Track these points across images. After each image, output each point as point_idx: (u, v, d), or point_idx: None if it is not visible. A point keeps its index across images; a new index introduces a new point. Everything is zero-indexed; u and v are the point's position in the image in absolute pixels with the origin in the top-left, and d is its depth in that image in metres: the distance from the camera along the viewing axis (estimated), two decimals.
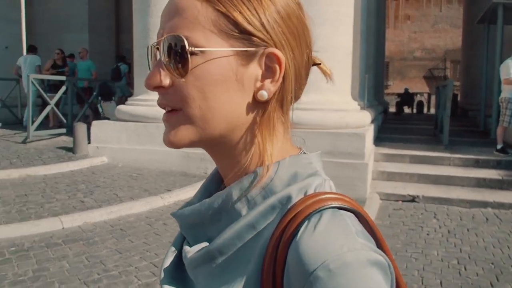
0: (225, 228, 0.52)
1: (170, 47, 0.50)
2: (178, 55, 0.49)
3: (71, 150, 6.69)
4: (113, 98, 8.82)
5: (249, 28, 0.49)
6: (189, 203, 0.59)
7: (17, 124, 9.55)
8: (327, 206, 0.48)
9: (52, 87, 7.98)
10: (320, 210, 0.47)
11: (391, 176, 6.13)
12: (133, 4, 6.90)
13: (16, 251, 3.54)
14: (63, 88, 7.69)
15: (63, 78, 7.97)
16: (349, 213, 0.49)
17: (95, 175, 5.75)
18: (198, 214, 0.55)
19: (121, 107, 6.78)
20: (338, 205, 0.48)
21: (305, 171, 0.53)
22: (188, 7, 0.50)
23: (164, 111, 0.54)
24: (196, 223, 0.56)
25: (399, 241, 4.14)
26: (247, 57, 0.50)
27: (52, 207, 4.44)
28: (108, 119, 7.33)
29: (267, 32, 0.50)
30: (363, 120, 6.05)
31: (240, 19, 0.49)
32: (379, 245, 0.49)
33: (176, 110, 0.51)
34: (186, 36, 0.49)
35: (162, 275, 0.59)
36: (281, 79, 0.51)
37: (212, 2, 0.49)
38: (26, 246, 3.64)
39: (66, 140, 7.48)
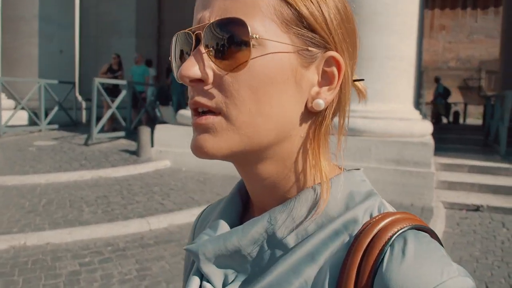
0: (269, 262, 0.45)
1: (221, 33, 0.41)
2: (234, 44, 0.41)
3: (134, 153, 6.87)
4: (170, 102, 9.03)
5: (314, 24, 0.43)
6: (205, 234, 0.50)
7: (72, 126, 9.85)
8: (407, 228, 0.42)
9: (107, 90, 8.22)
10: (401, 233, 0.42)
11: (452, 186, 6.12)
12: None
13: (113, 250, 3.67)
14: (124, 93, 7.90)
15: (124, 82, 8.20)
16: (427, 234, 0.44)
17: (164, 178, 5.90)
18: (228, 247, 0.47)
19: (184, 112, 6.94)
20: (416, 226, 0.43)
21: (361, 190, 0.47)
22: None
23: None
24: (223, 258, 0.47)
25: (476, 249, 4.15)
26: (309, 58, 0.44)
27: (135, 209, 4.59)
28: (166, 123, 7.50)
29: (330, 32, 0.44)
30: (426, 129, 6.06)
31: (305, 11, 0.42)
32: None
33: (215, 113, 0.43)
34: (246, 21, 0.41)
35: None
36: (338, 87, 0.45)
37: None
38: (121, 246, 3.78)
39: (125, 143, 7.69)
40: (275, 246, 0.45)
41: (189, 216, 4.46)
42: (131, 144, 7.51)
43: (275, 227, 0.45)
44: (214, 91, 0.42)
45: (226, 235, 0.47)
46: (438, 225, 4.63)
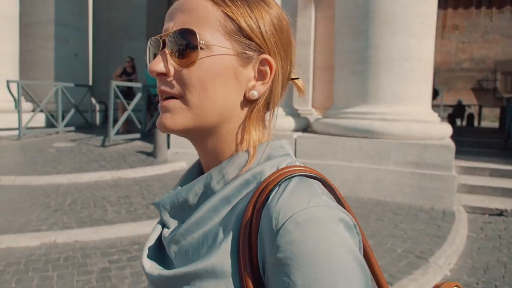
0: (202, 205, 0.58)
1: (180, 39, 0.56)
2: (188, 47, 0.55)
3: (151, 154, 6.92)
4: None
5: (251, 34, 0.57)
6: (167, 192, 0.65)
7: (87, 128, 9.95)
8: (295, 174, 0.54)
9: (122, 93, 8.28)
10: (288, 178, 0.53)
11: (473, 189, 6.06)
12: None
13: (140, 249, 3.70)
14: (139, 95, 7.97)
15: (139, 85, 8.28)
16: (316, 180, 0.56)
17: None
18: (179, 198, 0.61)
19: None
20: (305, 174, 0.55)
21: (277, 153, 0.60)
22: (199, 6, 0.56)
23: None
24: (176, 207, 0.61)
25: (503, 254, 4.10)
26: (246, 59, 0.58)
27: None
28: None
29: (264, 40, 0.58)
30: (445, 131, 6.02)
31: (244, 25, 0.57)
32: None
33: (175, 98, 0.57)
34: (197, 31, 0.55)
35: (146, 252, 0.64)
36: (270, 82, 0.59)
37: (222, 6, 0.56)
38: None
39: (141, 145, 7.74)
40: (208, 195, 0.58)
41: None
42: (146, 146, 7.57)
43: (211, 181, 0.59)
44: (174, 82, 0.57)
45: (178, 191, 0.62)
46: (461, 229, 4.59)
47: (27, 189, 5.30)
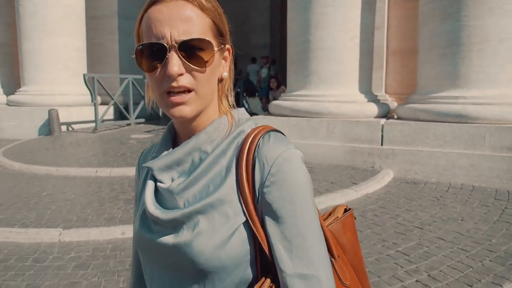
0: (198, 163, 0.78)
1: (195, 46, 0.72)
2: (203, 53, 0.72)
3: None
4: (256, 93, 9.12)
5: (224, 33, 0.78)
6: (153, 157, 0.84)
7: (156, 119, 10.10)
8: (270, 130, 0.80)
9: None
10: (267, 132, 0.78)
11: None
12: (288, 1, 7.06)
13: None
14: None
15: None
16: (280, 133, 0.81)
17: None
18: (175, 157, 0.78)
19: (281, 102, 6.96)
20: (274, 130, 0.81)
21: (244, 117, 0.83)
22: (197, 16, 0.72)
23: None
24: (173, 164, 0.79)
25: None
26: (221, 52, 0.79)
27: None
28: (256, 114, 7.55)
29: (227, 34, 0.79)
30: None
31: (222, 28, 0.77)
32: None
33: (188, 90, 0.73)
34: (211, 41, 0.73)
35: (149, 202, 0.80)
36: (229, 63, 0.82)
37: (208, 14, 0.74)
38: None
39: None
40: (200, 153, 0.78)
41: (324, 201, 4.48)
42: None
43: (199, 142, 0.78)
44: (189, 79, 0.72)
45: (170, 152, 0.80)
46: None
47: (125, 180, 5.44)
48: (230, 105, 0.84)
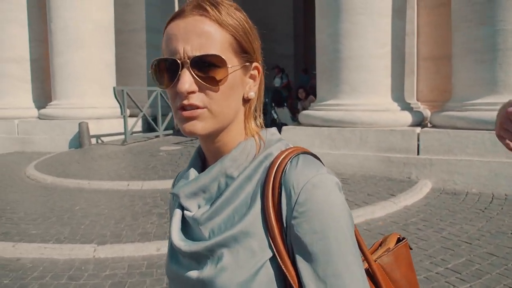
0: (224, 188, 0.72)
1: (207, 63, 0.67)
2: (215, 70, 0.67)
3: None
4: (285, 104, 9.06)
5: (250, 50, 0.72)
6: (182, 182, 0.78)
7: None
8: (299, 153, 0.71)
9: None
10: (296, 155, 0.70)
11: None
12: (316, 10, 6.98)
13: None
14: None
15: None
16: (311, 155, 0.73)
17: None
18: (198, 184, 0.73)
19: (311, 112, 6.84)
20: (304, 152, 0.72)
21: (273, 138, 0.76)
22: (212, 30, 0.67)
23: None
24: (196, 192, 0.74)
25: None
26: (246, 69, 0.73)
27: None
28: (285, 124, 7.45)
29: (254, 52, 0.73)
30: None
31: (244, 44, 0.71)
32: None
33: (200, 108, 0.67)
34: (224, 56, 0.67)
35: (175, 233, 0.75)
36: (258, 83, 0.75)
37: (228, 30, 0.69)
38: None
39: None
40: (226, 179, 0.72)
41: (354, 217, 4.33)
42: None
43: (224, 166, 0.72)
44: (201, 96, 0.68)
45: (195, 178, 0.74)
46: None
47: (157, 193, 5.40)
48: (258, 126, 0.78)
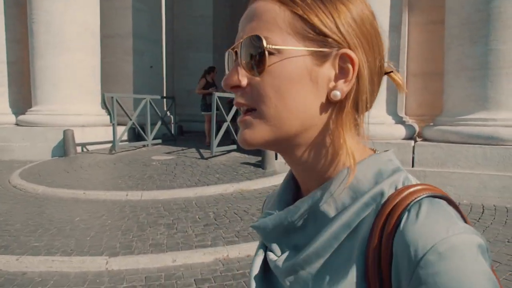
0: (313, 233, 0.54)
1: (248, 47, 0.52)
2: (257, 54, 0.51)
3: (258, 165, 6.89)
4: None
5: (324, 30, 0.51)
6: (267, 214, 0.61)
7: (172, 140, 9.97)
8: (423, 196, 0.49)
9: (209, 106, 8.29)
10: (417, 200, 0.48)
11: None
12: None
13: None
14: (235, 107, 7.97)
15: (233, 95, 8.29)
16: (443, 200, 0.50)
17: None
18: (283, 223, 0.56)
19: None
20: (432, 194, 0.50)
21: (388, 168, 0.54)
22: (267, 10, 0.52)
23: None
24: (280, 231, 0.57)
25: None
26: (322, 57, 0.52)
27: None
28: None
29: (342, 34, 0.52)
30: None
31: (316, 21, 0.51)
32: None
33: (253, 110, 0.53)
34: (265, 36, 0.51)
35: (253, 285, 0.60)
36: (354, 79, 0.52)
37: (290, 6, 0.52)
38: None
39: (240, 156, 7.72)
40: (318, 219, 0.54)
41: None
42: (246, 157, 7.55)
43: (319, 203, 0.54)
44: (248, 93, 0.53)
45: (281, 213, 0.57)
46: None
47: (159, 204, 5.31)
48: (357, 144, 0.57)
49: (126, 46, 10.41)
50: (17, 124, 9.74)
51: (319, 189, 0.54)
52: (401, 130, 6.53)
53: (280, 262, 0.57)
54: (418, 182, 0.52)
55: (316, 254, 0.53)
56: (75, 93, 9.00)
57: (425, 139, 6.54)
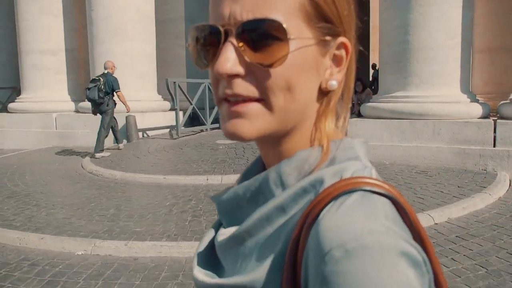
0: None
1: (259, 31, 0.44)
2: (271, 42, 0.44)
3: None
4: None
5: (331, 16, 0.47)
6: (228, 188, 0.56)
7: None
8: (358, 188, 0.43)
9: None
10: (349, 192, 0.43)
11: None
12: (380, 3, 6.92)
13: None
14: None
15: None
16: (384, 198, 0.43)
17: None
18: (236, 197, 0.53)
19: (378, 104, 6.83)
20: (371, 189, 0.43)
21: (344, 156, 0.49)
22: None
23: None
24: (234, 206, 0.54)
25: None
26: (325, 46, 0.48)
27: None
28: None
29: (340, 20, 0.48)
30: None
31: (326, 9, 0.47)
32: (420, 242, 0.43)
33: (252, 101, 0.46)
34: (282, 22, 0.44)
35: (196, 259, 0.57)
36: (346, 68, 0.50)
37: None
38: None
39: None
40: (266, 197, 0.50)
41: (459, 210, 4.37)
42: None
43: (268, 181, 0.50)
44: (251, 82, 0.46)
45: (238, 187, 0.52)
46: None
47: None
48: (338, 128, 0.53)
49: (178, 30, 10.43)
50: (77, 111, 9.97)
51: (273, 167, 0.50)
52: (477, 109, 6.34)
53: (220, 237, 0.54)
54: (372, 176, 0.45)
55: (247, 232, 0.50)
56: (134, 79, 9.10)
57: (501, 117, 6.34)
